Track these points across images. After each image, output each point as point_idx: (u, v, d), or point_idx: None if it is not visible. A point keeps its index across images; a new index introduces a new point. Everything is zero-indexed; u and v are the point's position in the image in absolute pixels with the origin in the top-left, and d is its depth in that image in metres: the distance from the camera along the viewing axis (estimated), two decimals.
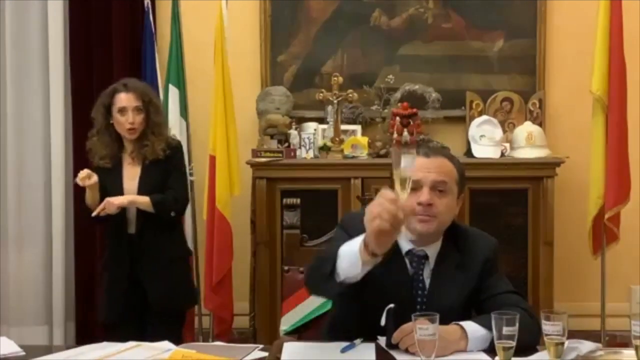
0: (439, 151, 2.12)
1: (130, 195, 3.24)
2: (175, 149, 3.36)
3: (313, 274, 2.00)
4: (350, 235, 1.91)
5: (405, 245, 2.10)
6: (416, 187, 2.01)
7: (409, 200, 1.89)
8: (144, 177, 3.28)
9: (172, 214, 3.33)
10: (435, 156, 2.08)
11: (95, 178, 3.17)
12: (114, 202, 3.17)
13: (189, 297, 3.54)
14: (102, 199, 3.24)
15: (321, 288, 1.99)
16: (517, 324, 1.74)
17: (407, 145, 1.76)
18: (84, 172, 3.17)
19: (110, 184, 3.25)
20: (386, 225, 1.70)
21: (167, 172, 3.32)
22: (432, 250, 2.11)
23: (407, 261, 2.10)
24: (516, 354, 1.76)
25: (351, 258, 1.82)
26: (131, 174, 3.29)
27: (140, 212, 3.26)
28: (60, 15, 4.19)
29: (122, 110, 3.24)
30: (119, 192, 3.24)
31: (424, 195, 2.03)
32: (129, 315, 3.27)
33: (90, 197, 3.24)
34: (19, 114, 4.25)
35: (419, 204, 2.02)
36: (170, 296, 3.31)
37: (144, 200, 3.24)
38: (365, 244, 1.78)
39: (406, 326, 1.92)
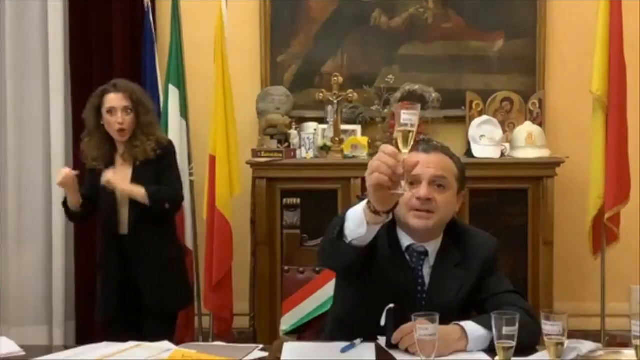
0: (438, 148, 2.12)
1: (128, 186, 3.23)
2: (166, 148, 3.35)
3: (323, 242, 2.00)
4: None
5: (405, 241, 2.10)
6: (415, 182, 2.02)
7: (407, 195, 1.90)
8: (136, 178, 3.27)
9: (167, 205, 3.30)
10: (434, 152, 2.09)
11: (69, 178, 3.21)
12: (114, 183, 3.18)
13: (183, 298, 3.53)
14: (95, 201, 3.28)
15: (331, 254, 1.95)
16: (517, 324, 1.74)
17: (411, 103, 1.72)
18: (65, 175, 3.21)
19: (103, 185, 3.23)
20: (384, 179, 1.65)
21: (159, 172, 3.31)
22: (432, 247, 2.11)
23: (407, 256, 2.10)
24: (516, 354, 1.77)
25: (356, 219, 1.80)
26: (123, 175, 3.27)
27: (132, 213, 3.26)
28: (60, 15, 4.19)
29: (111, 111, 3.25)
30: (112, 193, 3.23)
31: (423, 189, 2.03)
32: (122, 314, 3.29)
33: (70, 200, 3.29)
34: (19, 114, 4.25)
35: (418, 198, 2.02)
36: (165, 298, 3.32)
37: (140, 192, 3.22)
38: (369, 202, 1.75)
39: (406, 326, 1.92)
